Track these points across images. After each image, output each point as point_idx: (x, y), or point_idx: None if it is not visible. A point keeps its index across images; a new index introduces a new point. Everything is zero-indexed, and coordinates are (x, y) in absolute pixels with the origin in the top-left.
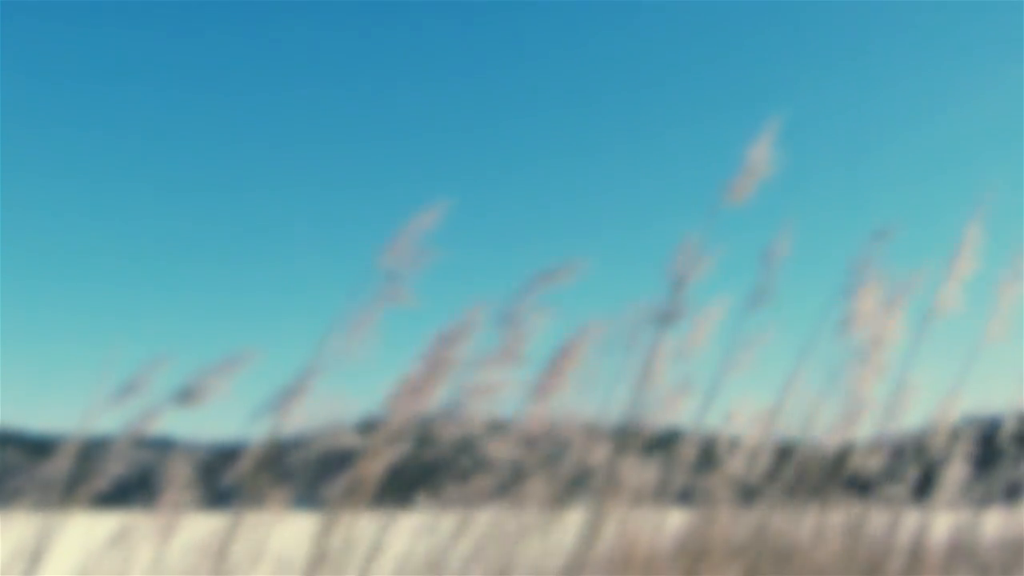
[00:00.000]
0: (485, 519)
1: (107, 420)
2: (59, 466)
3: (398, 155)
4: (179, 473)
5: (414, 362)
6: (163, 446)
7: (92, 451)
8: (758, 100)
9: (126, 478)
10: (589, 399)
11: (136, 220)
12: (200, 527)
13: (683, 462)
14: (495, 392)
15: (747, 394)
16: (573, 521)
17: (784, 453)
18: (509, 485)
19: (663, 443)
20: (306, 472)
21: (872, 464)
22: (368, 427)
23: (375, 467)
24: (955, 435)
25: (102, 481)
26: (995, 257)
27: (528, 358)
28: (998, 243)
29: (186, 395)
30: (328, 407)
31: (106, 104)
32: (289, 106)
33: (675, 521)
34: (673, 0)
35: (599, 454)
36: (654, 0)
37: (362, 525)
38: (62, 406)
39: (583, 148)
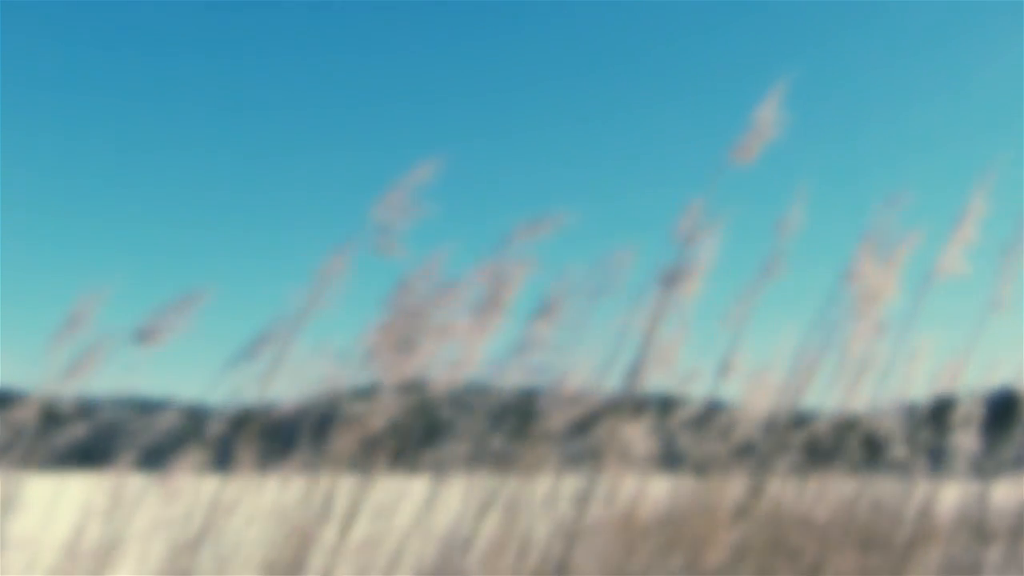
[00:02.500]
0: (486, 485)
1: (80, 379)
2: (24, 419)
3: (401, 116)
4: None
5: (382, 311)
6: (144, 406)
7: (56, 406)
8: (769, 64)
9: (99, 437)
10: (589, 360)
11: (123, 174)
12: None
13: (683, 426)
14: (477, 345)
15: (749, 357)
16: (570, 487)
17: (788, 418)
18: (501, 448)
19: (664, 406)
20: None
21: (879, 430)
22: (361, 393)
23: (366, 427)
24: (964, 403)
25: (64, 438)
26: (1003, 225)
27: (515, 313)
28: (1007, 212)
29: (143, 334)
30: (319, 368)
31: (102, 66)
32: (287, 65)
33: (672, 487)
34: None
35: (599, 418)
36: None
37: (349, 487)
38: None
39: (593, 112)
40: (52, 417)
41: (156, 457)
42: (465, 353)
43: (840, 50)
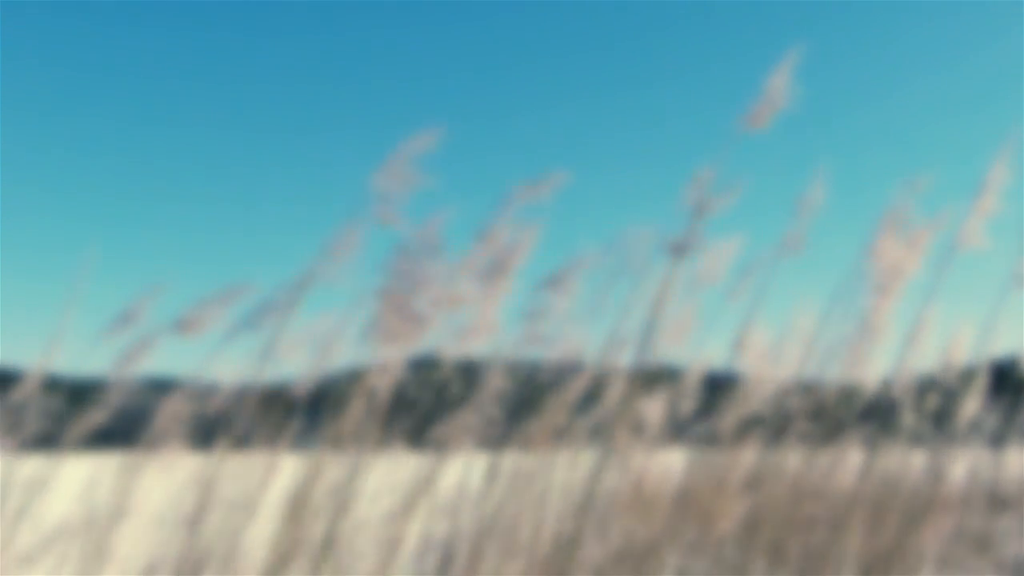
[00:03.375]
0: (505, 463)
1: (101, 355)
2: (55, 402)
3: (404, 92)
4: (177, 412)
5: (382, 276)
6: (160, 386)
7: (87, 388)
8: (785, 34)
9: (124, 417)
10: (599, 331)
11: (132, 152)
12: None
13: (695, 398)
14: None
15: (764, 329)
16: (584, 460)
17: (801, 389)
18: (512, 422)
19: (675, 377)
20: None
21: (890, 398)
22: (365, 368)
23: (374, 400)
24: (971, 373)
25: (100, 417)
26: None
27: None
28: None
29: (182, 325)
30: (323, 340)
31: (107, 39)
32: (290, 43)
33: (684, 459)
34: None
35: (611, 390)
36: None
37: (357, 465)
38: (39, 338)
39: (605, 86)
40: (75, 398)
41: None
42: (475, 321)
43: (856, 21)
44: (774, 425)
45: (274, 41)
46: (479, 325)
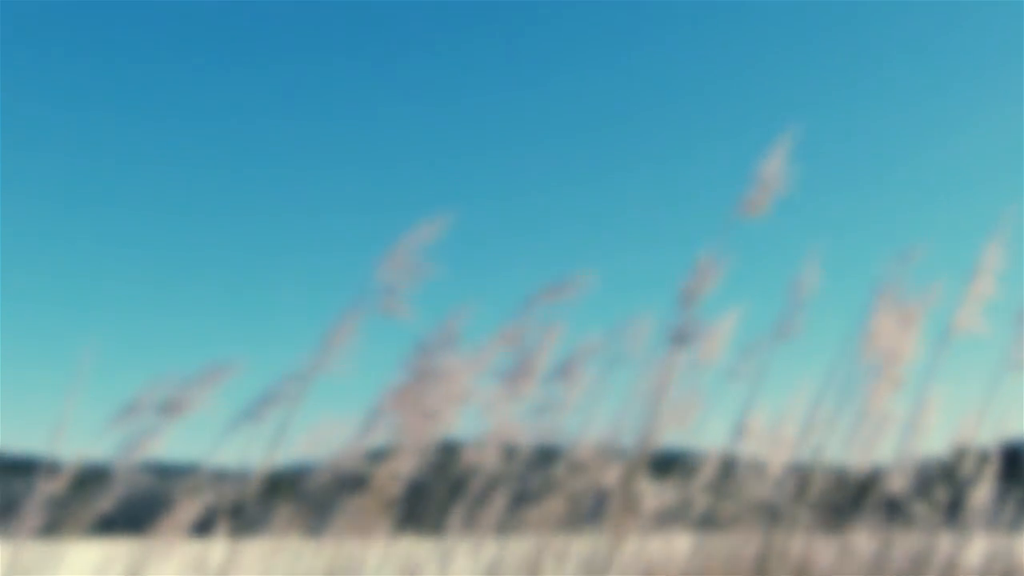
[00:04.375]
0: (513, 549)
1: (101, 442)
2: (57, 488)
3: (409, 175)
4: (185, 500)
5: (399, 372)
6: (166, 471)
7: (93, 474)
8: (776, 121)
9: (127, 503)
10: (600, 417)
11: (132, 239)
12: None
13: (700, 483)
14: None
15: (763, 411)
16: (587, 545)
17: (805, 474)
18: (519, 507)
19: (678, 462)
20: (318, 497)
21: (897, 485)
22: (380, 454)
23: (386, 490)
24: (981, 457)
25: (105, 504)
26: (1020, 274)
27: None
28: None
29: (170, 407)
30: (335, 432)
31: (107, 129)
32: (297, 126)
33: (691, 544)
34: (688, 21)
35: (612, 475)
36: (669, 20)
37: (369, 551)
38: (43, 425)
39: (598, 170)
40: (83, 484)
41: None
42: (496, 421)
43: (850, 102)
44: (779, 510)
45: (277, 123)
46: (500, 428)
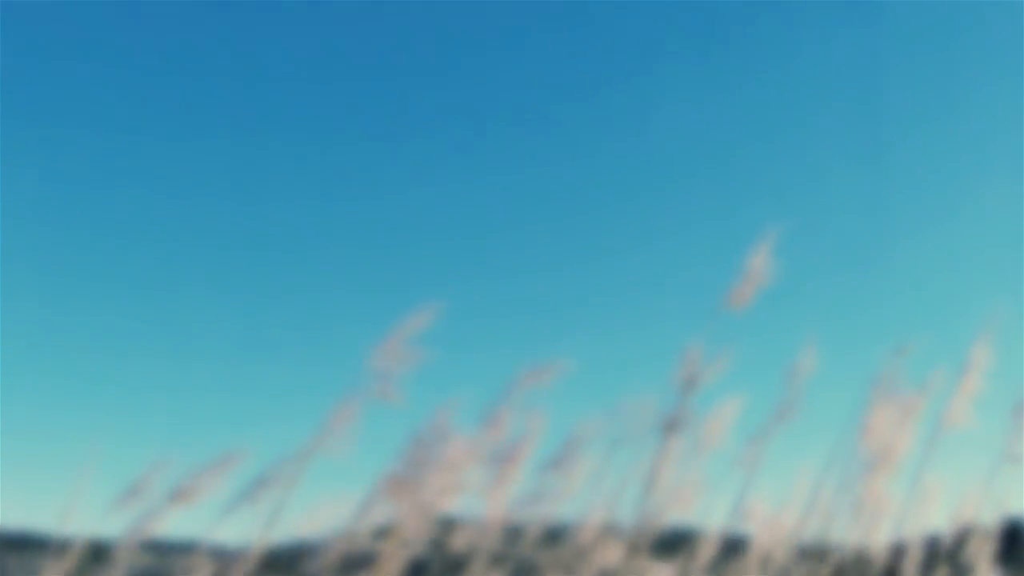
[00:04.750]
0: None
1: (105, 522)
2: (66, 567)
3: (394, 258)
4: None
5: (393, 462)
6: (159, 549)
7: (100, 550)
8: (764, 203)
9: None
10: (598, 501)
11: (125, 318)
12: None
13: (701, 564)
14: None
15: (761, 496)
16: None
17: (804, 557)
18: None
19: (681, 542)
20: None
21: (898, 566)
22: (384, 532)
23: (391, 566)
24: (982, 537)
25: None
26: (1013, 367)
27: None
28: (1014, 354)
29: (180, 495)
30: (336, 511)
31: (99, 205)
32: (280, 209)
33: None
34: (677, 109)
35: (614, 555)
36: (657, 104)
37: None
38: (45, 504)
39: (585, 253)
40: (85, 563)
41: None
42: (486, 509)
43: (839, 187)
44: None
45: (268, 208)
46: (490, 515)
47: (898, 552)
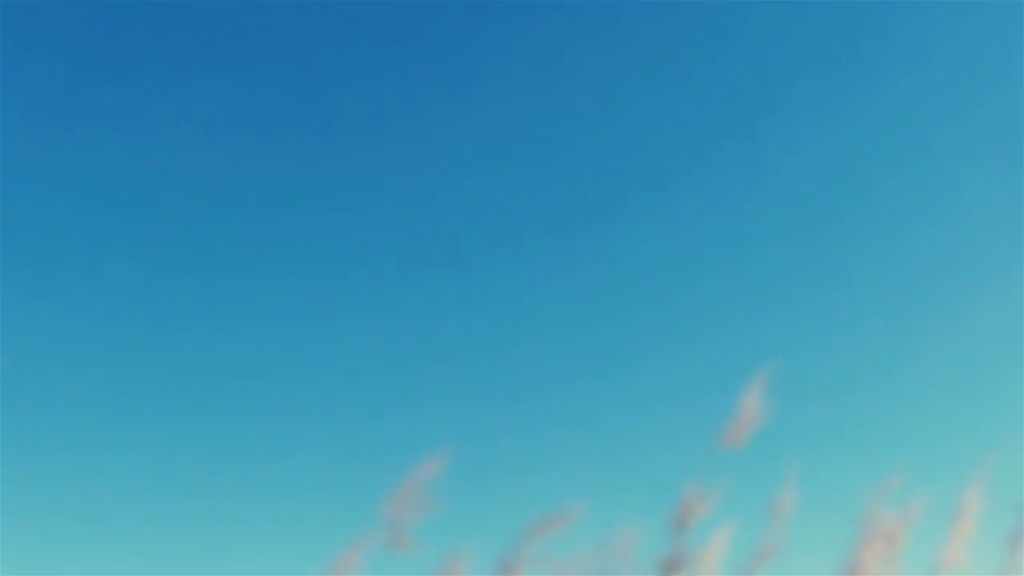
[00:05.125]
0: None
1: None
2: None
3: (391, 394)
4: None
5: None
6: None
7: None
8: (762, 329)
9: None
10: None
11: (130, 458)
12: None
13: None
14: None
15: None
16: None
17: None
18: None
19: None
20: None
21: None
22: None
23: None
24: None
25: None
26: (1006, 500)
27: None
28: (1009, 485)
29: None
30: None
31: (104, 345)
32: (274, 347)
33: None
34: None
35: None
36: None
37: None
38: None
39: (579, 379)
40: None
41: None
42: None
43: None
44: None
45: (270, 340)
46: None
47: None
